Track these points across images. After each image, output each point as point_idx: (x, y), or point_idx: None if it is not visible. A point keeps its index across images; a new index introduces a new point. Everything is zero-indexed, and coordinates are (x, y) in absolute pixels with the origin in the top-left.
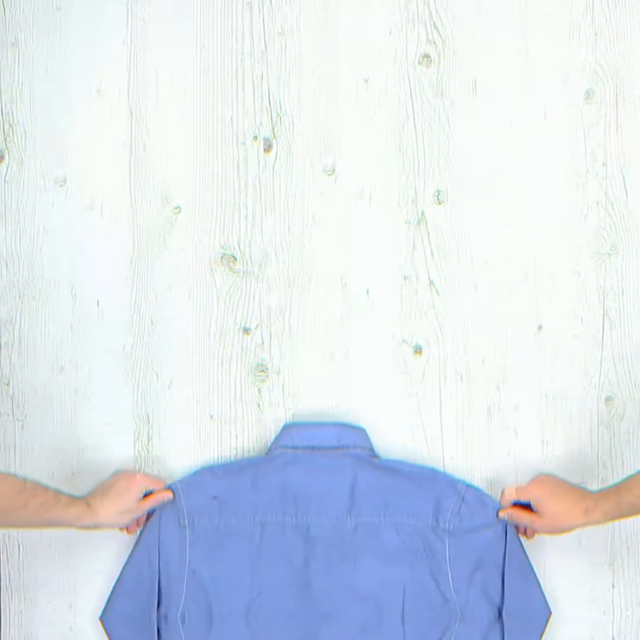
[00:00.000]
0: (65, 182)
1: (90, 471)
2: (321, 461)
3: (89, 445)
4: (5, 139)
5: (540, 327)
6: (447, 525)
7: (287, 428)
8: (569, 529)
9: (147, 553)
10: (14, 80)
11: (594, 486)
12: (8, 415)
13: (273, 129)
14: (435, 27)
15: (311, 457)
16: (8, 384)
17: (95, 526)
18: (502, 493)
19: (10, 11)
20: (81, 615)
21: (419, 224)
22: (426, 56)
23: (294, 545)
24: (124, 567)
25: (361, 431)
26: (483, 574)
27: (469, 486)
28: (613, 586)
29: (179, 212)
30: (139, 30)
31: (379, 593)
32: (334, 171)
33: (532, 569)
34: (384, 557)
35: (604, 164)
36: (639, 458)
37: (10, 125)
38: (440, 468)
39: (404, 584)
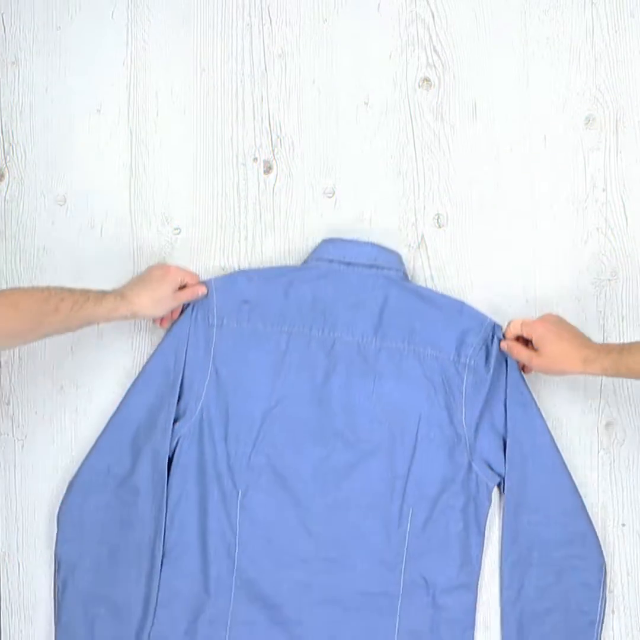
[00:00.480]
0: (65, 201)
1: None
2: (354, 279)
3: None
4: (5, 158)
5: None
6: (468, 360)
7: (325, 242)
8: (564, 373)
9: (174, 346)
10: (14, 99)
11: (594, 514)
12: (8, 434)
13: (273, 150)
14: (435, 50)
15: (345, 274)
16: (8, 403)
17: (132, 315)
18: (508, 324)
19: (10, 30)
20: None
21: (419, 247)
22: (426, 80)
23: (317, 359)
24: (151, 358)
25: (397, 255)
26: (491, 407)
27: (495, 324)
28: (613, 611)
29: (179, 233)
30: (139, 50)
31: (394, 417)
32: (334, 193)
33: (534, 400)
34: (404, 384)
35: (604, 190)
36: (639, 483)
37: (10, 144)
38: None
39: (420, 413)
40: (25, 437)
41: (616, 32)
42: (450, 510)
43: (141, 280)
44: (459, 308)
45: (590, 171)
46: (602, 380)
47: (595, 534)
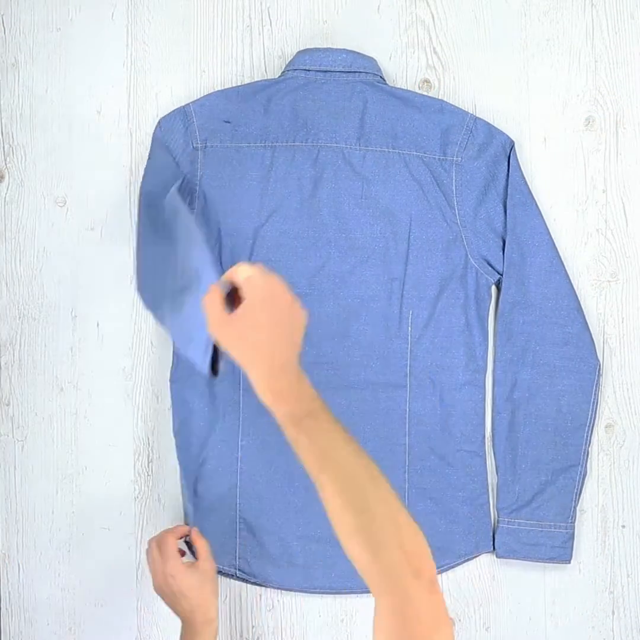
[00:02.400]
0: (65, 203)
1: (90, 492)
2: (332, 87)
3: (89, 466)
4: (5, 160)
5: None
6: (454, 157)
7: (300, 53)
8: (247, 367)
9: (162, 168)
10: (14, 100)
11: (594, 516)
12: (8, 435)
13: None
14: (435, 52)
15: (322, 83)
16: (8, 405)
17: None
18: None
19: (10, 32)
20: (80, 638)
21: None
22: (426, 81)
23: (303, 170)
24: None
25: (373, 59)
26: (488, 206)
27: (477, 119)
28: (613, 613)
29: None
30: (140, 52)
31: (386, 221)
32: None
33: (534, 201)
34: (392, 186)
35: (604, 191)
36: (639, 485)
37: (10, 146)
38: None
39: (411, 214)
40: (25, 438)
41: (616, 33)
42: (451, 308)
43: (168, 599)
44: (439, 107)
45: (590, 172)
46: (602, 381)
47: (591, 336)
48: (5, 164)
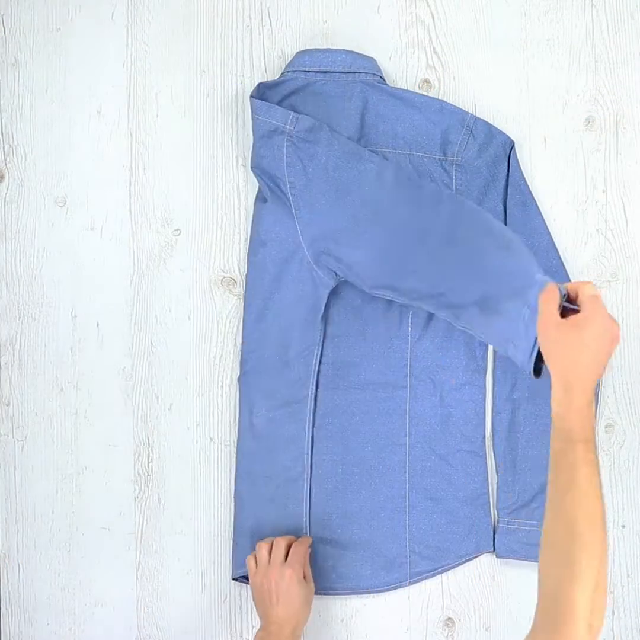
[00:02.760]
0: (65, 202)
1: (90, 492)
2: (331, 88)
3: (89, 466)
4: (5, 159)
5: None
6: (454, 157)
7: (300, 53)
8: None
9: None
10: (13, 100)
11: None
12: (8, 435)
13: None
14: (435, 52)
15: (322, 84)
16: (8, 404)
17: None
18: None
19: (10, 31)
20: (80, 638)
21: None
22: (426, 81)
23: None
24: None
25: (373, 60)
26: (488, 206)
27: (477, 118)
28: (613, 613)
29: (179, 234)
30: (140, 52)
31: None
32: None
33: (534, 201)
34: None
35: (604, 191)
36: (639, 485)
37: (10, 146)
38: None
39: None
40: (25, 438)
41: (616, 33)
42: None
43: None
44: (439, 107)
45: (590, 173)
46: (602, 381)
47: None
48: (5, 164)
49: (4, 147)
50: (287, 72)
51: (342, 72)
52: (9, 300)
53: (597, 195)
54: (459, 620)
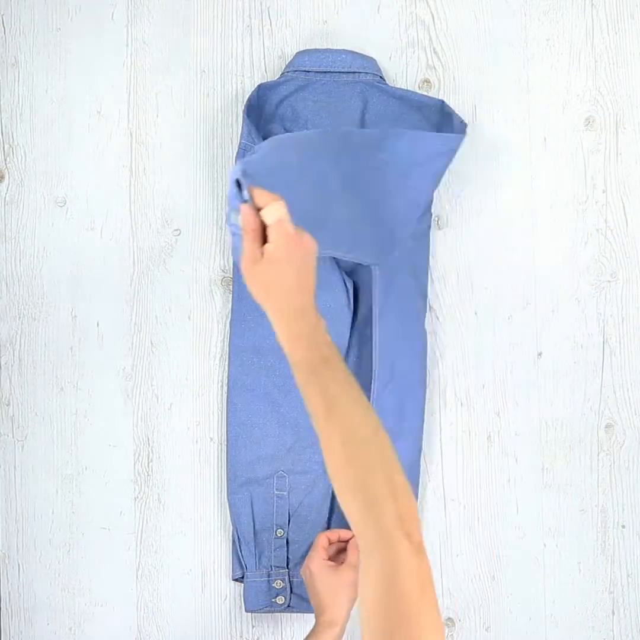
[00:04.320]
0: (65, 203)
1: (90, 492)
2: (332, 88)
3: (89, 466)
4: (5, 160)
5: (540, 354)
6: None
7: (300, 54)
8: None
9: None
10: (13, 100)
11: (594, 516)
12: (8, 435)
13: None
14: (435, 52)
15: (323, 84)
16: (8, 404)
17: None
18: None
19: (10, 31)
20: (80, 638)
21: None
22: (426, 81)
23: None
24: None
25: (372, 59)
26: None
27: (464, 126)
28: (613, 613)
29: (179, 235)
30: (139, 52)
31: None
32: None
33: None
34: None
35: (604, 191)
36: (639, 485)
37: (10, 146)
38: (440, 495)
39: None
40: (25, 438)
41: (616, 33)
42: None
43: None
44: (438, 107)
45: (590, 173)
46: (602, 381)
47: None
48: (5, 164)
49: (4, 147)
50: (287, 72)
51: (343, 72)
52: (8, 300)
53: (597, 195)
54: (459, 620)
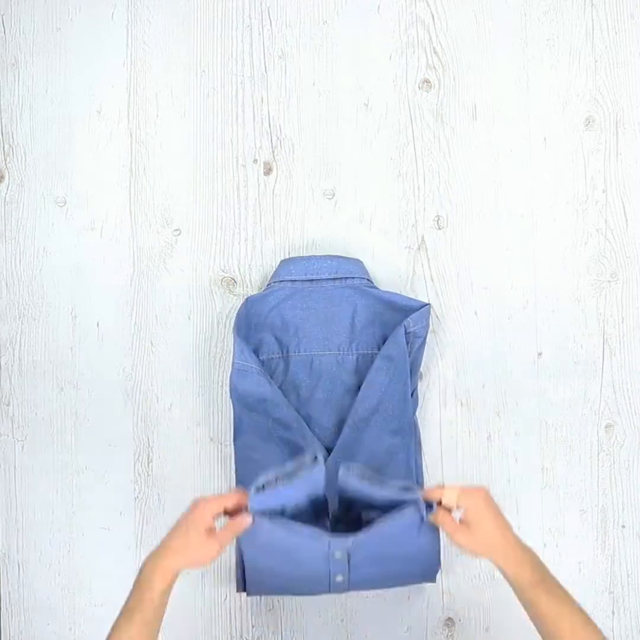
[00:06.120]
0: (65, 202)
1: (90, 492)
2: (320, 295)
3: (89, 466)
4: (5, 159)
5: (540, 354)
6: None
7: (284, 262)
8: (487, 557)
9: None
10: (14, 100)
11: (594, 516)
12: (8, 435)
13: (273, 152)
14: (435, 52)
15: (310, 291)
16: (8, 404)
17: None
18: (443, 492)
19: (10, 31)
20: (80, 638)
21: (419, 249)
22: (426, 81)
23: (299, 379)
24: None
25: (358, 262)
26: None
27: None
28: (613, 613)
29: (179, 234)
30: (139, 52)
31: None
32: (333, 195)
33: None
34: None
35: (603, 191)
36: (638, 485)
37: (10, 146)
38: None
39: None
40: (25, 438)
41: (616, 33)
42: None
43: (169, 537)
44: (423, 310)
45: (590, 173)
46: (602, 381)
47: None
48: (5, 164)
49: (4, 147)
50: (274, 282)
51: (329, 279)
52: (9, 300)
53: (597, 195)
54: (459, 620)
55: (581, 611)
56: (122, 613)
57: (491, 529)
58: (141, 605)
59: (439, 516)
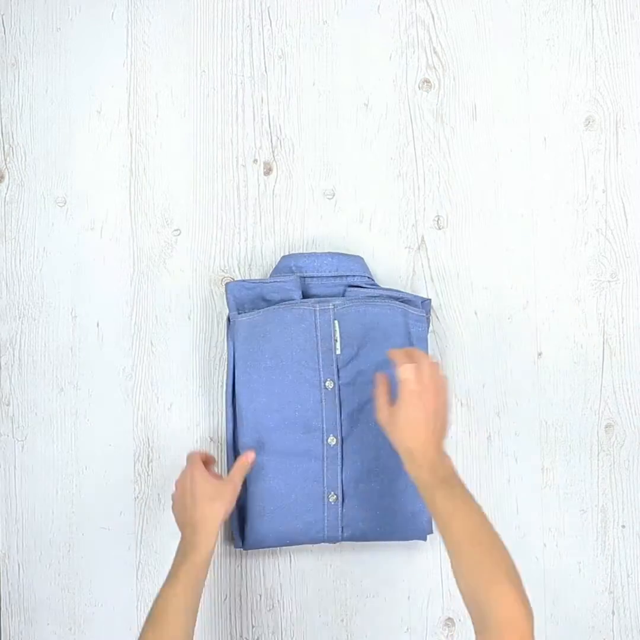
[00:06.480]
0: (65, 202)
1: (90, 492)
2: (321, 292)
3: (89, 466)
4: (5, 159)
5: (540, 354)
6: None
7: (285, 258)
8: (397, 448)
9: None
10: (13, 100)
11: (594, 516)
12: (8, 435)
13: (273, 152)
14: (435, 52)
15: (309, 288)
16: (8, 404)
17: (215, 528)
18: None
19: (10, 31)
20: (80, 638)
21: (419, 248)
22: (426, 81)
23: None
24: None
25: (359, 259)
26: None
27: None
28: (613, 613)
29: (179, 234)
30: (139, 52)
31: None
32: (334, 195)
33: None
34: None
35: (604, 191)
36: (638, 485)
37: (10, 146)
38: None
39: None
40: (25, 438)
41: (616, 33)
42: None
43: (179, 507)
44: (401, 310)
45: (590, 173)
46: (602, 381)
47: None
48: (5, 164)
49: (4, 147)
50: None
51: (330, 277)
52: (8, 300)
53: (597, 195)
54: (459, 620)
55: (480, 513)
56: (166, 580)
57: (411, 418)
58: (185, 567)
59: (378, 389)
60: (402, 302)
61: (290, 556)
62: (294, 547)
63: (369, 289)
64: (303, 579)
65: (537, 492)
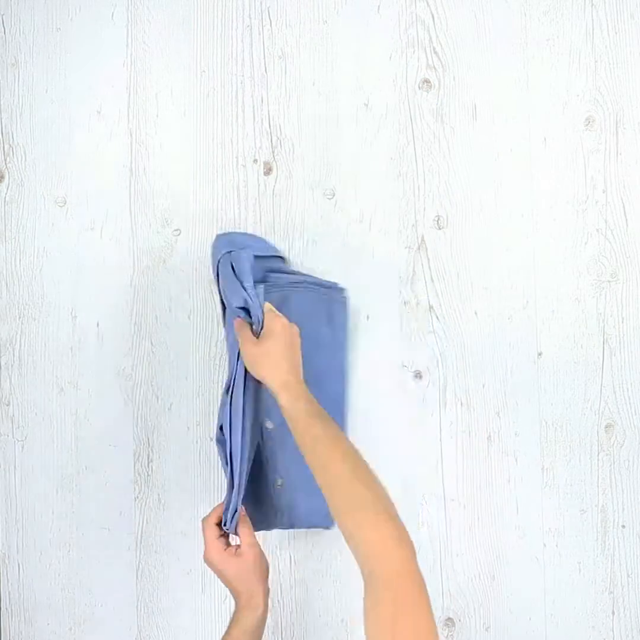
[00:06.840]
0: (65, 203)
1: (90, 493)
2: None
3: (89, 466)
4: (5, 160)
5: (540, 354)
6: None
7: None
8: (263, 379)
9: None
10: (13, 100)
11: (594, 516)
12: (8, 435)
13: (273, 152)
14: (435, 52)
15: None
16: (8, 405)
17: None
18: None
19: (10, 32)
20: (80, 638)
21: (419, 248)
22: (426, 81)
23: None
24: None
25: (262, 240)
26: None
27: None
28: (613, 613)
29: (179, 234)
30: (139, 52)
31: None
32: (333, 195)
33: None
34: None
35: (604, 191)
36: (638, 485)
37: (10, 146)
38: (440, 495)
39: None
40: (25, 438)
41: (616, 33)
42: None
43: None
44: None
45: (590, 173)
46: (602, 381)
47: None
48: (5, 164)
49: (4, 147)
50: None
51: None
52: (9, 300)
53: (597, 195)
54: (459, 620)
55: (353, 445)
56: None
57: (279, 349)
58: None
59: (238, 323)
60: (324, 288)
61: (290, 556)
62: (293, 546)
63: (291, 275)
64: (303, 579)
65: (537, 492)
